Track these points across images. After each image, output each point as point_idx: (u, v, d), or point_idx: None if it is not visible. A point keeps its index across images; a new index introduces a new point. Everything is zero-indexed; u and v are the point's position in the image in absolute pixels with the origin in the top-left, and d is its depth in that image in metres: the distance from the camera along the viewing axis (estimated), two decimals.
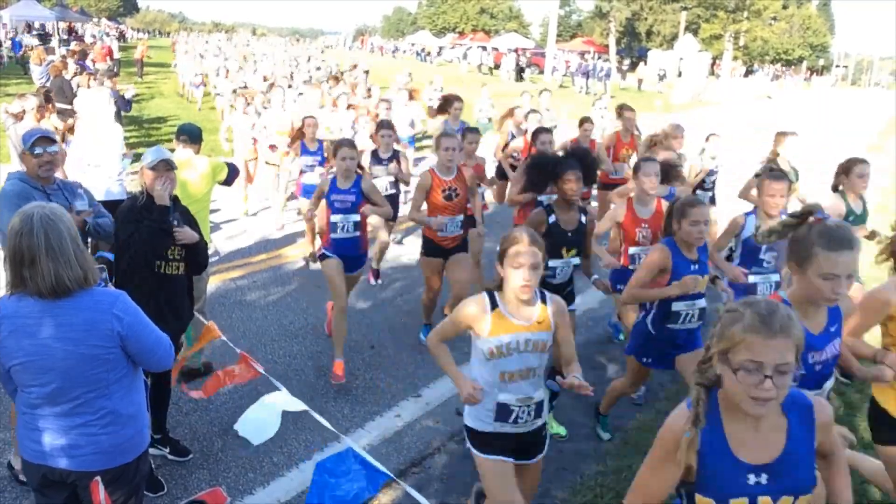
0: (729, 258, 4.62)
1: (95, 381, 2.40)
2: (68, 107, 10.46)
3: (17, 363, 2.38)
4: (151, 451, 3.94)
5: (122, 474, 2.50)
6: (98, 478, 2.43)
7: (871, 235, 4.75)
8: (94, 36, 34.02)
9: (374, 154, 6.89)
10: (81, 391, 2.39)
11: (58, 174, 5.97)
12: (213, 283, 6.91)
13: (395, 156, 6.93)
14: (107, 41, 29.72)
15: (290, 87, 13.58)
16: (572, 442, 4.41)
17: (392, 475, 2.55)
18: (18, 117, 7.27)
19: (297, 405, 3.10)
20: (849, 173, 5.02)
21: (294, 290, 6.93)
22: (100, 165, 6.25)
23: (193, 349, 4.27)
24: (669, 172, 5.01)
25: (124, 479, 2.51)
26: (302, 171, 7.79)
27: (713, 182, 7.47)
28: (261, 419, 2.96)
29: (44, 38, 30.47)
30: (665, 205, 4.43)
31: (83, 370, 2.37)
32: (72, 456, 2.43)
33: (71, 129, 8.66)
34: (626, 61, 43.38)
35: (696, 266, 3.78)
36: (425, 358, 5.56)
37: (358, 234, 5.15)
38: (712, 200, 7.49)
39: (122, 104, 11.74)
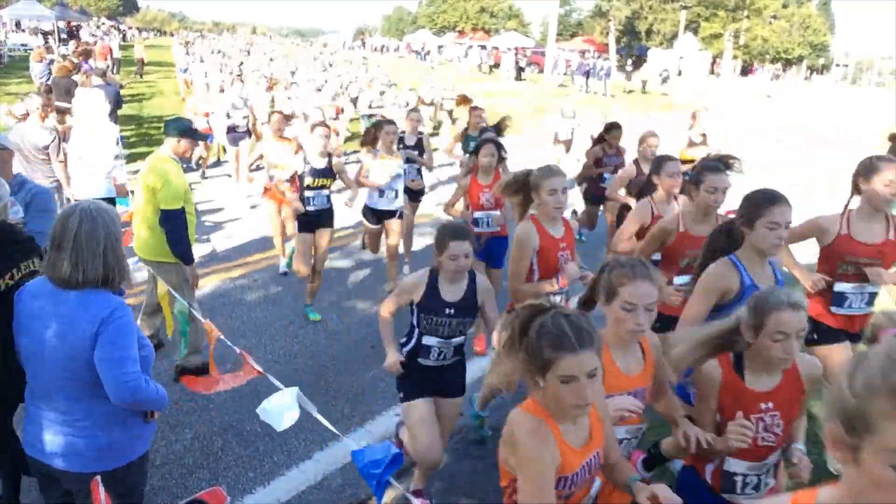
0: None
1: (78, 382, 2.36)
2: (69, 105, 10.44)
3: (23, 347, 2.40)
4: None
5: (107, 481, 2.41)
6: (98, 477, 2.42)
7: None
8: (93, 35, 33.99)
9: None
10: (65, 390, 2.37)
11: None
12: (213, 282, 6.92)
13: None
14: (107, 40, 29.68)
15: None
16: None
17: (392, 481, 2.55)
18: (23, 117, 7.27)
19: (306, 402, 3.10)
20: None
21: (294, 290, 6.92)
22: (97, 164, 6.28)
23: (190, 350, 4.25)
24: None
25: (109, 485, 2.41)
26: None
27: None
28: (283, 405, 2.95)
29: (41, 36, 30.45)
30: None
31: (67, 368, 2.34)
32: (56, 454, 2.42)
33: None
34: (629, 61, 43.31)
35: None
36: None
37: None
38: None
39: (116, 100, 11.75)
